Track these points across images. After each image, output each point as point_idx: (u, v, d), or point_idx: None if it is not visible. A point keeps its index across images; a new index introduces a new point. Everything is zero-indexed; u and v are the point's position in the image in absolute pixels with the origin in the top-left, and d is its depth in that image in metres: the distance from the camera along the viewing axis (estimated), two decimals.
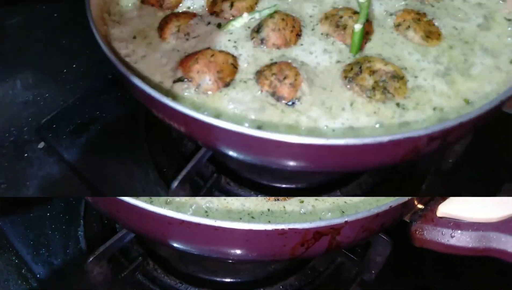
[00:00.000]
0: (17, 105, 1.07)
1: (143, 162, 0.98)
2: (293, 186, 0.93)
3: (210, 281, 0.92)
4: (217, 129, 0.58)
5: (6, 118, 1.04)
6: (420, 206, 0.73)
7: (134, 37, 0.81)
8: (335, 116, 0.69)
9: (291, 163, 0.64)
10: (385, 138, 0.56)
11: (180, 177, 0.82)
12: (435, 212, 0.72)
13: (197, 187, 0.92)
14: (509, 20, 0.83)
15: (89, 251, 0.92)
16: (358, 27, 0.76)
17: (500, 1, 0.86)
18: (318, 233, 0.58)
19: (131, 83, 0.63)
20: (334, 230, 0.59)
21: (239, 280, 0.93)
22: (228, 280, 0.93)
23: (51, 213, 0.99)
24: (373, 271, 0.88)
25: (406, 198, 0.63)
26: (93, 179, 0.94)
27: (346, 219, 0.58)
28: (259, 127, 0.67)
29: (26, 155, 0.99)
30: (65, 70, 1.13)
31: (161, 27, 0.81)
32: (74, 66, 1.14)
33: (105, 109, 1.05)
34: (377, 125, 0.68)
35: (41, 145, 1.00)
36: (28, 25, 1.25)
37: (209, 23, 0.83)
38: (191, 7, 0.86)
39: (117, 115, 1.04)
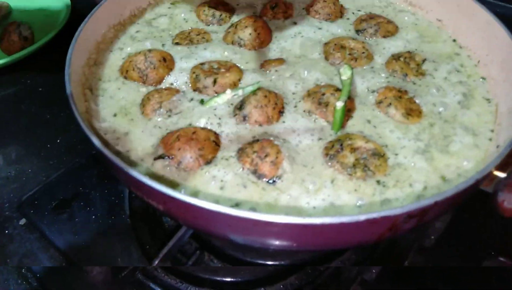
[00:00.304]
0: None
1: (126, 239, 1.01)
2: (277, 263, 0.95)
3: (210, 281, 0.94)
4: (195, 208, 0.62)
5: None
6: (502, 174, 0.73)
7: (116, 114, 0.87)
8: (316, 194, 0.74)
9: (271, 242, 0.68)
10: (361, 217, 0.60)
11: (161, 255, 0.85)
12: None
13: (180, 263, 0.95)
14: (487, 99, 0.90)
15: (142, 251, 0.98)
16: (339, 104, 0.83)
17: (481, 80, 0.94)
18: (409, 216, 0.62)
19: (110, 161, 0.67)
20: (424, 211, 0.63)
21: (239, 279, 0.95)
22: (228, 279, 0.95)
23: (96, 215, 1.04)
24: (432, 237, 0.91)
25: (488, 170, 0.66)
26: (76, 256, 0.97)
27: (436, 200, 0.62)
28: (239, 206, 0.70)
29: (6, 232, 1.03)
30: (48, 145, 1.19)
31: (143, 104, 0.88)
32: (58, 141, 1.20)
33: (88, 185, 1.10)
34: (358, 203, 0.73)
35: (22, 221, 1.04)
36: (12, 99, 1.34)
37: (192, 99, 0.90)
38: (174, 84, 0.93)
39: (100, 192, 1.08)
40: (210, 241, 0.99)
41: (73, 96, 0.76)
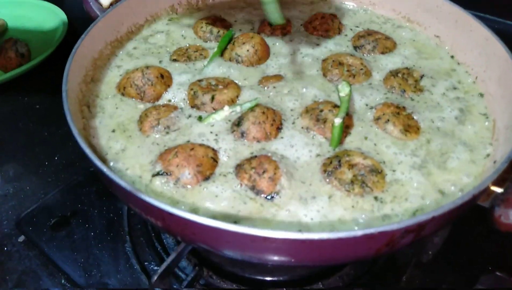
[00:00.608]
0: None
1: (125, 255, 1.04)
2: (275, 279, 0.98)
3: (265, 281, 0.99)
4: (193, 224, 0.65)
5: None
6: (498, 190, 0.75)
7: (113, 131, 0.90)
8: (313, 210, 0.76)
9: (269, 258, 0.70)
10: (359, 232, 0.63)
11: (159, 271, 0.87)
12: None
13: (178, 279, 0.98)
14: (485, 115, 0.93)
15: (141, 267, 1.01)
16: (338, 121, 0.86)
17: (478, 96, 0.97)
18: (406, 231, 0.65)
19: (108, 179, 0.70)
20: (421, 226, 0.65)
21: (296, 276, 0.99)
22: (283, 278, 0.99)
23: (95, 232, 1.07)
24: (430, 252, 0.94)
25: (485, 185, 0.69)
26: (75, 272, 1.00)
27: (433, 215, 0.64)
28: (237, 222, 0.73)
29: (5, 249, 1.06)
30: (46, 163, 1.23)
31: (141, 120, 0.91)
32: (56, 158, 1.23)
33: (86, 202, 1.13)
34: (356, 219, 0.75)
35: (21, 238, 1.07)
36: (9, 117, 1.38)
37: (190, 116, 0.93)
38: (172, 100, 0.96)
39: (98, 208, 1.11)
40: (209, 257, 1.01)
41: (70, 113, 0.79)
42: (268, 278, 0.99)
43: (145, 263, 1.02)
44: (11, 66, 1.42)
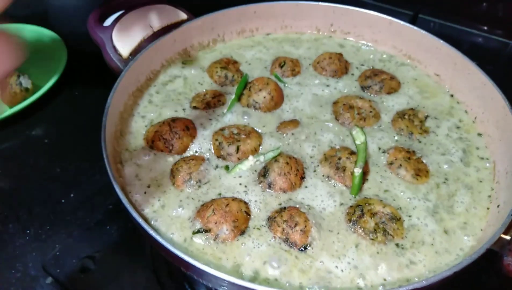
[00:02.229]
0: (18, 240, 1.20)
1: None
2: None
3: None
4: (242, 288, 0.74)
5: (10, 255, 1.17)
6: (506, 237, 0.85)
7: (149, 186, 0.97)
8: (343, 259, 0.86)
9: None
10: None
11: None
12: None
13: None
14: (485, 157, 1.05)
15: None
16: (357, 171, 0.96)
17: (478, 136, 1.09)
18: (431, 287, 0.76)
19: (156, 242, 0.78)
20: (444, 280, 0.76)
21: None
22: None
23: (121, 272, 1.13)
24: None
25: (496, 237, 0.81)
26: None
27: (455, 271, 0.77)
28: (276, 279, 0.83)
29: None
30: (63, 201, 1.27)
31: (173, 175, 0.99)
32: (72, 195, 1.29)
33: (109, 241, 1.18)
34: (380, 266, 0.86)
35: (49, 280, 1.13)
36: (19, 153, 1.42)
37: (217, 166, 1.01)
38: (199, 151, 1.04)
39: (120, 246, 1.17)
40: None
41: (117, 182, 0.86)
42: None
43: None
44: (17, 101, 1.46)
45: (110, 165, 0.89)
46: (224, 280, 0.73)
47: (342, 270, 0.86)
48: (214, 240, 0.89)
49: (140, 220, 0.81)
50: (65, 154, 1.42)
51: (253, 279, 0.84)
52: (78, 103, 1.61)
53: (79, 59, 1.68)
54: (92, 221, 1.25)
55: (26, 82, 1.48)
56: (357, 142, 1.03)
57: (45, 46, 1.68)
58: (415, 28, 1.24)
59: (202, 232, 0.89)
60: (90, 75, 1.69)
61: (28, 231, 1.23)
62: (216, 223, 0.89)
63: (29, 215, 1.26)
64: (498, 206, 0.94)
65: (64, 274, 1.14)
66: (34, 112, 1.51)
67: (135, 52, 1.13)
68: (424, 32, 1.23)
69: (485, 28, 1.64)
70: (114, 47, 1.12)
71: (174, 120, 1.06)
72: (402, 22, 1.26)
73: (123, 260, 1.17)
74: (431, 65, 1.24)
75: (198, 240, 0.89)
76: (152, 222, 0.91)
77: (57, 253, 1.18)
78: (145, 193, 0.96)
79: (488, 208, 0.96)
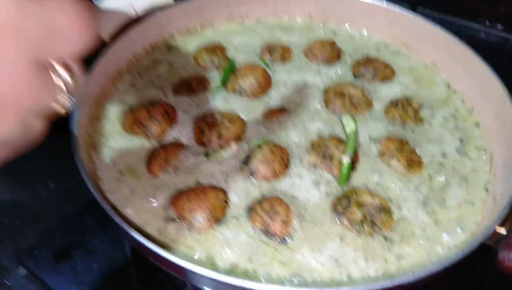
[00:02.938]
0: None
1: (133, 287, 1.05)
2: None
3: None
4: (214, 281, 0.68)
5: None
6: (501, 230, 0.79)
7: (122, 172, 0.92)
8: (325, 252, 0.80)
9: None
10: (376, 286, 0.67)
11: None
12: None
13: None
14: (482, 147, 0.99)
15: None
16: (346, 160, 0.90)
17: (475, 126, 1.02)
18: (420, 282, 0.70)
19: (125, 233, 0.72)
20: (433, 276, 0.71)
21: None
22: None
23: (99, 264, 1.06)
24: None
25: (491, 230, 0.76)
26: None
27: (444, 265, 0.71)
28: (254, 270, 0.77)
29: (7, 283, 1.06)
30: (42, 191, 1.21)
31: (149, 161, 0.93)
32: (52, 186, 1.23)
33: (88, 232, 1.12)
34: (365, 260, 0.80)
35: (23, 272, 1.07)
36: None
37: (196, 153, 0.95)
38: (178, 138, 0.98)
39: (100, 239, 1.12)
40: None
41: (83, 165, 0.80)
42: None
43: None
44: None
45: (78, 147, 0.84)
46: (196, 273, 0.67)
47: (323, 264, 0.80)
48: (188, 229, 0.83)
49: (106, 206, 0.76)
50: (45, 141, 1.36)
51: (229, 272, 0.78)
52: None
53: None
54: (71, 211, 1.19)
55: None
56: (347, 130, 0.97)
57: None
58: (413, 14, 1.17)
59: (175, 220, 0.84)
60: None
61: (3, 220, 1.18)
62: (190, 211, 0.83)
63: (4, 203, 1.20)
64: (494, 199, 0.88)
65: (38, 266, 1.08)
66: None
67: (116, 35, 1.07)
68: (421, 19, 1.16)
69: (486, 22, 1.58)
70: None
71: (152, 104, 1.00)
72: (398, 9, 1.19)
73: (102, 252, 1.11)
74: (427, 54, 1.17)
75: (171, 229, 0.83)
76: (124, 210, 0.85)
77: (33, 244, 1.12)
78: (118, 179, 0.90)
79: (484, 201, 0.90)
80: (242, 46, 1.22)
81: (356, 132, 0.96)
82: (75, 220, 1.16)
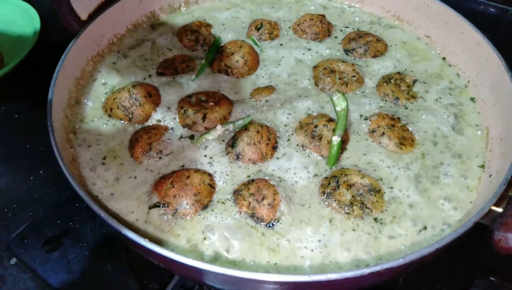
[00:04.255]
0: None
1: (124, 274, 1.03)
2: None
3: None
4: (196, 270, 0.65)
5: None
6: (497, 209, 0.77)
7: (104, 158, 0.88)
8: (315, 236, 0.77)
9: None
10: (366, 270, 0.64)
11: None
12: None
13: None
14: (477, 122, 0.95)
15: (140, 285, 1.00)
16: (336, 140, 0.86)
17: (470, 101, 0.99)
18: (411, 264, 0.67)
19: (103, 221, 0.70)
20: (424, 258, 0.68)
21: None
22: None
23: (89, 251, 1.05)
24: None
25: (486, 209, 0.72)
26: None
27: (436, 247, 0.67)
28: (240, 257, 0.74)
29: None
30: (31, 178, 1.19)
31: (132, 145, 0.90)
32: (41, 172, 1.20)
33: (78, 219, 1.10)
34: (357, 244, 0.77)
35: (13, 261, 1.05)
36: None
37: (181, 136, 0.92)
38: (162, 120, 0.95)
39: (90, 226, 1.09)
40: None
41: (59, 150, 0.77)
42: None
43: (144, 282, 1.03)
44: None
45: (55, 132, 0.80)
46: (178, 262, 0.64)
47: (312, 249, 0.77)
48: (173, 215, 0.80)
49: (82, 193, 0.73)
50: (36, 130, 1.31)
51: (214, 260, 0.75)
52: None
53: (52, 31, 1.58)
54: (61, 198, 1.16)
55: None
56: (338, 108, 0.92)
57: (16, 18, 1.58)
58: None
59: (159, 206, 0.80)
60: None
61: None
62: (175, 196, 0.80)
63: None
64: (490, 176, 0.85)
65: (28, 254, 1.06)
66: (4, 87, 1.42)
67: (95, 14, 1.03)
68: None
69: None
70: (71, 8, 1.01)
71: (134, 86, 0.96)
72: None
73: (92, 239, 1.09)
74: (421, 26, 1.13)
75: (155, 215, 0.80)
76: (106, 197, 0.82)
77: (23, 233, 1.10)
78: (100, 166, 0.87)
79: (479, 179, 0.87)
80: (229, 23, 1.18)
81: (347, 111, 0.92)
82: (65, 208, 1.14)
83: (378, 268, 0.64)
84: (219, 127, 0.92)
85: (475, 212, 0.72)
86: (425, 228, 0.80)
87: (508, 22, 1.50)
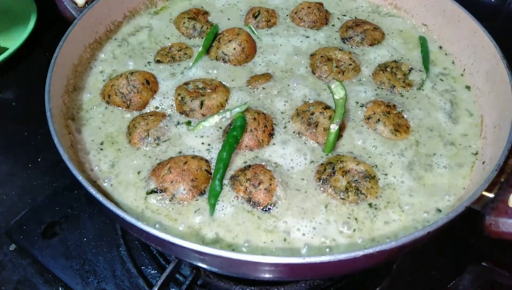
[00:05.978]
0: None
1: (121, 260, 1.06)
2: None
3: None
4: (190, 251, 0.67)
5: None
6: (489, 194, 0.79)
7: (102, 143, 0.90)
8: (310, 220, 0.79)
9: (267, 276, 0.74)
10: (359, 253, 0.66)
11: (159, 283, 0.89)
12: (507, 203, 0.78)
13: (177, 283, 1.02)
14: (472, 109, 0.97)
15: (138, 271, 1.04)
16: (334, 128, 0.88)
17: (465, 89, 1.00)
18: (403, 247, 0.69)
19: (102, 205, 0.71)
20: (417, 241, 0.69)
21: None
22: None
23: (88, 237, 1.09)
24: None
25: (478, 194, 0.73)
26: (71, 280, 1.03)
27: (428, 230, 0.69)
28: (238, 240, 0.76)
29: None
30: (30, 165, 1.21)
31: (130, 132, 0.92)
32: (39, 160, 1.22)
33: (77, 206, 1.13)
34: (352, 229, 0.79)
35: (12, 247, 1.07)
36: None
37: (178, 123, 0.94)
38: (160, 107, 0.96)
39: (89, 213, 1.12)
40: None
41: (58, 136, 0.78)
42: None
43: (142, 267, 1.05)
44: None
45: (53, 118, 0.82)
46: (175, 244, 0.66)
47: (307, 233, 0.79)
48: (170, 200, 0.82)
49: (81, 178, 0.74)
50: (34, 117, 1.33)
51: (214, 243, 0.77)
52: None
53: (50, 18, 1.59)
54: (59, 185, 1.19)
55: None
56: (336, 96, 0.94)
57: (13, 5, 1.59)
58: None
59: (157, 192, 0.82)
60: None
61: None
62: (172, 182, 0.82)
63: None
64: (483, 163, 0.87)
65: (28, 241, 1.09)
66: (2, 74, 1.44)
67: (92, 0, 1.04)
68: None
69: None
70: None
71: (132, 73, 0.98)
72: None
73: (90, 226, 1.11)
74: (418, 15, 1.14)
75: (152, 200, 0.82)
76: (103, 182, 0.84)
77: (22, 219, 1.12)
78: (98, 152, 0.89)
79: (473, 166, 0.89)
80: (226, 10, 1.19)
81: (345, 99, 0.93)
82: (63, 195, 1.16)
83: (371, 250, 0.66)
84: (216, 115, 0.94)
85: (467, 198, 0.75)
86: (418, 213, 0.82)
87: (506, 12, 1.51)
